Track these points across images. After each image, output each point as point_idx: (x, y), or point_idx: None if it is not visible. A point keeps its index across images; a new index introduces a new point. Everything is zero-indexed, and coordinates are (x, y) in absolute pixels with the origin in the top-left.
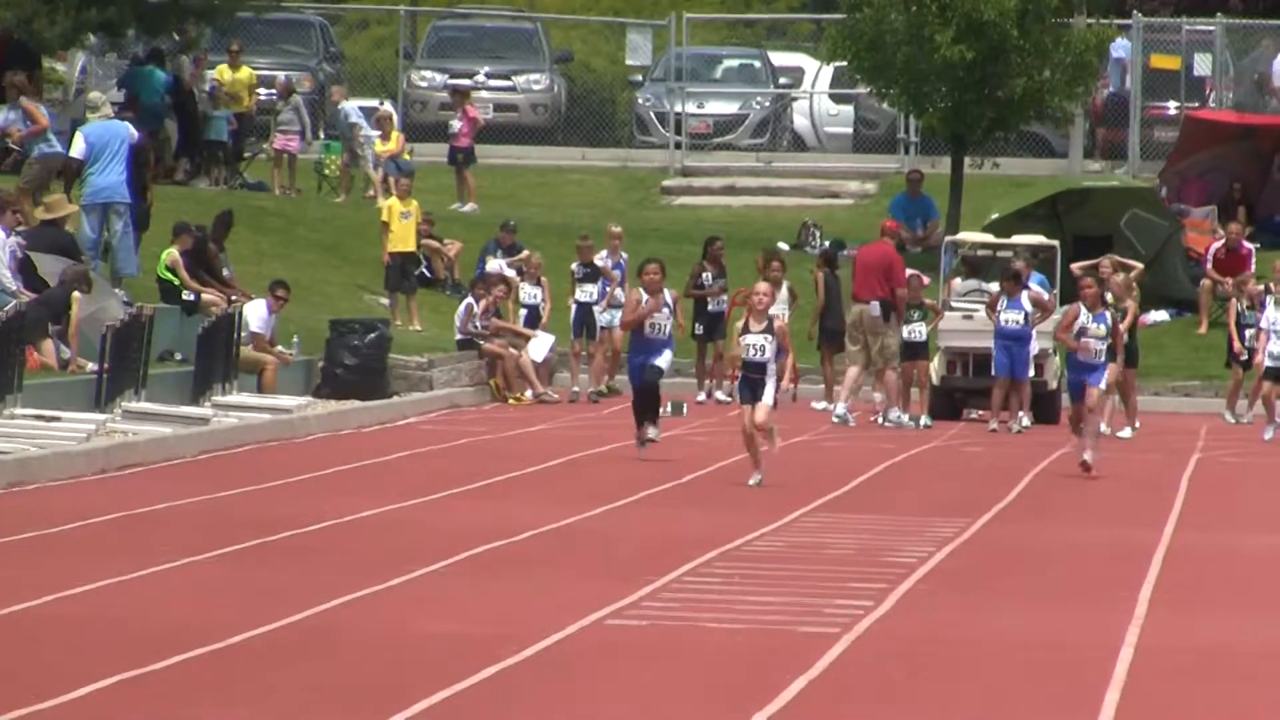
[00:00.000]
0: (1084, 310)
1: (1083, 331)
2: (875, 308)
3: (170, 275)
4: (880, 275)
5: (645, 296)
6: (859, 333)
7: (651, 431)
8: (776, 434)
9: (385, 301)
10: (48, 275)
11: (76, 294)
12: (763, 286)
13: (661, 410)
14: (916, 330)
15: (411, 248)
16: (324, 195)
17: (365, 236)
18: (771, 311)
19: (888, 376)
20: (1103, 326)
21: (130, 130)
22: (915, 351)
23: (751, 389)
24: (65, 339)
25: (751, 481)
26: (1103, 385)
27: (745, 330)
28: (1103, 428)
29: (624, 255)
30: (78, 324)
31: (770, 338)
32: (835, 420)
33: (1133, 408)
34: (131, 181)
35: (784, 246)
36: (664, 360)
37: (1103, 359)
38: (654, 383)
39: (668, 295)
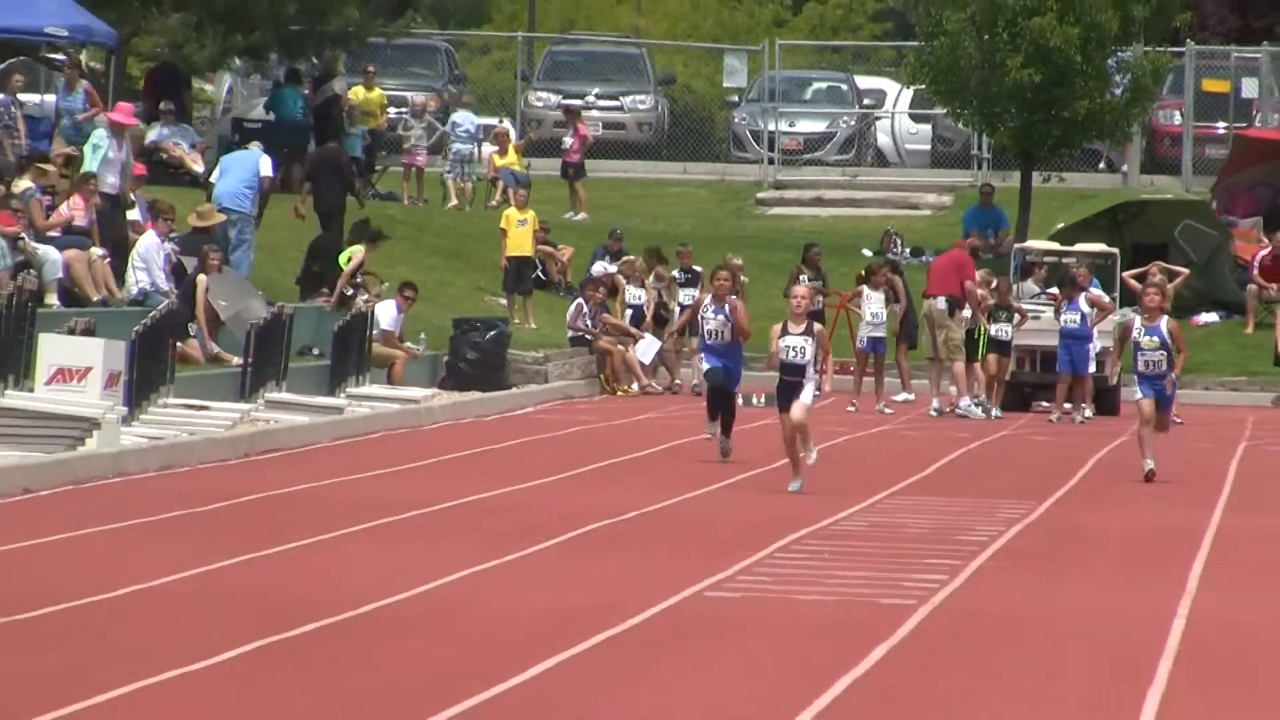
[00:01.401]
0: (1138, 322)
1: (1137, 346)
2: (941, 302)
3: (345, 263)
4: (952, 273)
5: (708, 301)
6: (929, 327)
7: (710, 429)
8: (813, 441)
9: (504, 302)
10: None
11: (202, 277)
12: (800, 290)
13: (756, 401)
14: (1003, 330)
15: (528, 253)
16: (448, 205)
17: (486, 243)
18: (871, 311)
19: (956, 368)
20: (1156, 338)
21: (261, 159)
22: (1001, 349)
23: (789, 392)
24: (210, 334)
25: (792, 488)
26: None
27: (785, 333)
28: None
29: (698, 268)
30: (205, 306)
31: (810, 339)
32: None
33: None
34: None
35: (868, 253)
36: (735, 371)
37: (1164, 368)
38: (721, 386)
39: (727, 305)
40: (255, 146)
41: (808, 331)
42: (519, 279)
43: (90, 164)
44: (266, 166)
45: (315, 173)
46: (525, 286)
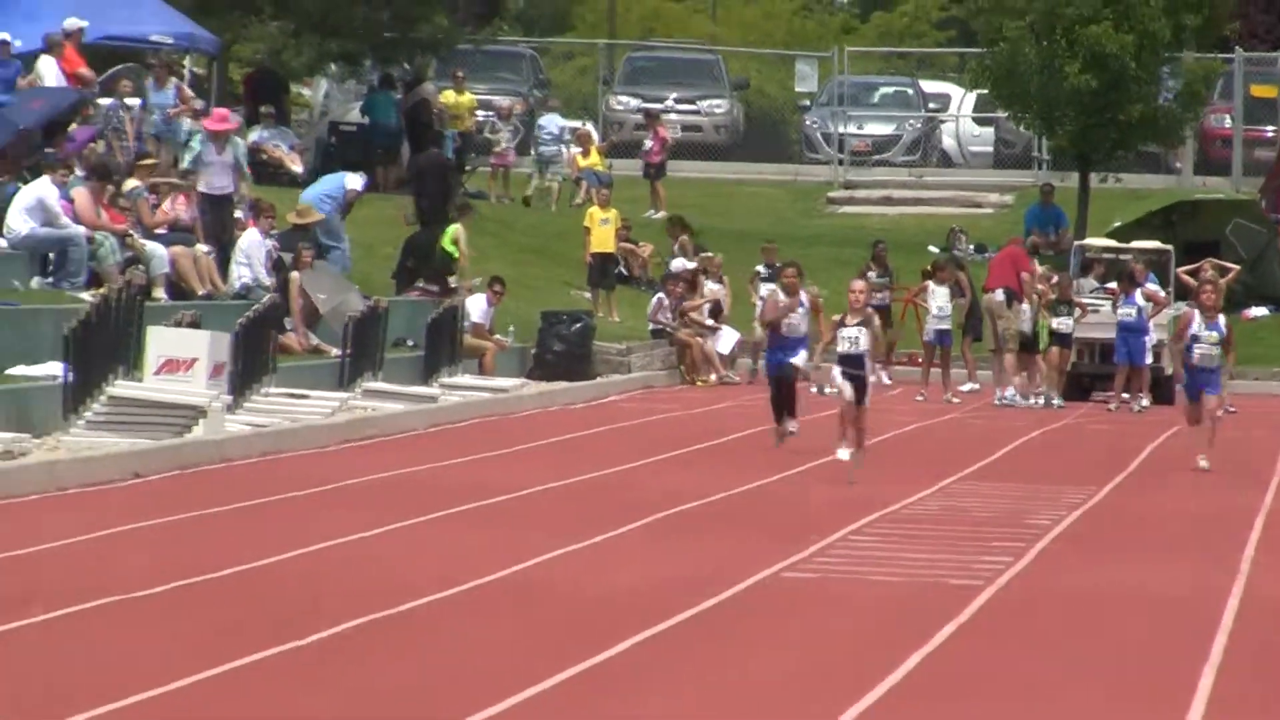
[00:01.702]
0: (1197, 318)
1: (1195, 339)
2: (999, 294)
3: (452, 248)
4: (1008, 267)
5: (783, 297)
6: (990, 319)
7: (792, 425)
8: (866, 437)
9: (588, 296)
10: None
11: (295, 273)
12: (858, 284)
13: (829, 390)
14: (1065, 323)
15: (610, 249)
16: (535, 204)
17: (570, 240)
18: (937, 305)
19: (1006, 359)
20: (1215, 334)
21: (349, 175)
22: (1063, 341)
23: (852, 382)
24: (309, 326)
25: (843, 454)
26: (1222, 392)
27: (842, 324)
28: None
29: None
30: (299, 303)
31: (865, 330)
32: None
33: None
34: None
35: (934, 250)
36: (800, 358)
37: (1216, 364)
38: (790, 378)
39: (804, 296)
40: (358, 178)
41: (864, 323)
42: (603, 274)
43: (185, 163)
44: (353, 181)
45: (421, 175)
46: (608, 282)
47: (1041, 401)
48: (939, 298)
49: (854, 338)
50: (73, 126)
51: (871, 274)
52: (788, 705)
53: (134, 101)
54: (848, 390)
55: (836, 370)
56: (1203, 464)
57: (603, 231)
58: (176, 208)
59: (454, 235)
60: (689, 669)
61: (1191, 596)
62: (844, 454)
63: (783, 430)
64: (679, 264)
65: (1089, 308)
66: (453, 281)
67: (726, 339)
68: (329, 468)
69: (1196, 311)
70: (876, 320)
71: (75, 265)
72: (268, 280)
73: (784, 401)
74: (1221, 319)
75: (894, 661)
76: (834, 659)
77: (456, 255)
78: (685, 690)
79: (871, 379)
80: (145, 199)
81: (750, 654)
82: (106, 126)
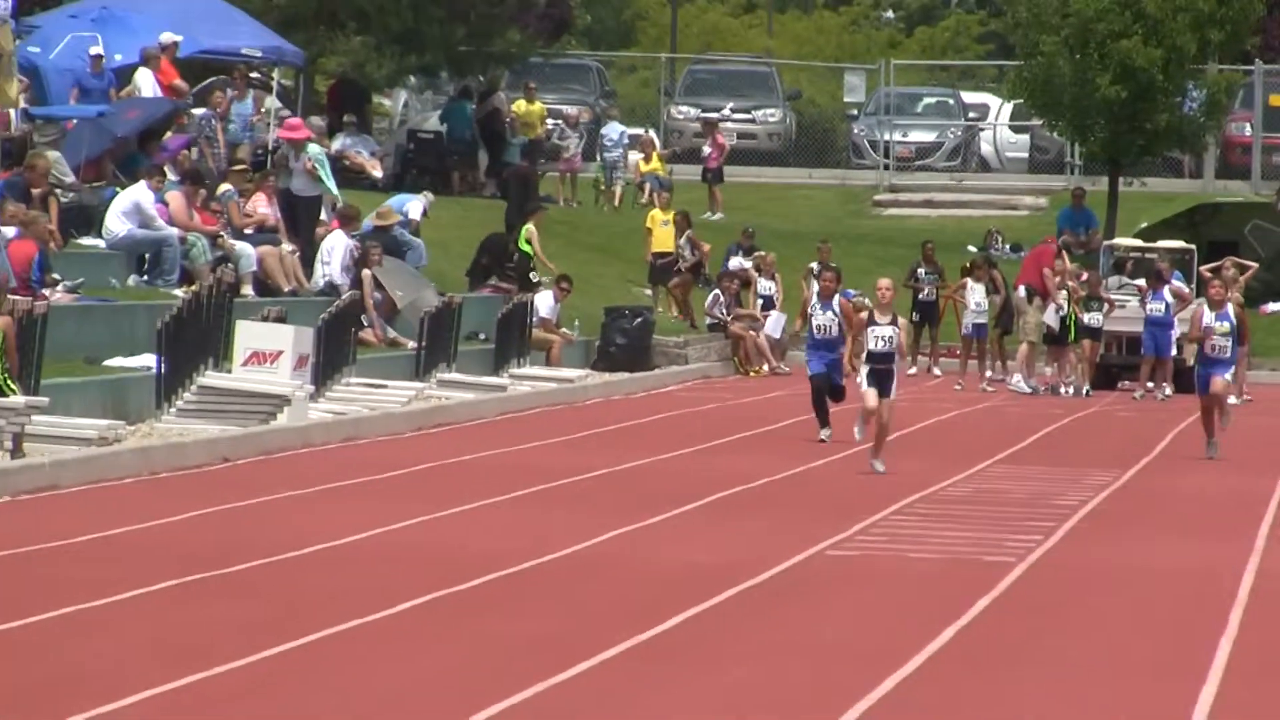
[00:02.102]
0: (1207, 310)
1: (1208, 330)
2: (1021, 290)
3: (527, 247)
4: (1031, 266)
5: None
6: (1017, 313)
7: (824, 434)
8: (889, 434)
9: (649, 292)
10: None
11: (367, 271)
12: (884, 282)
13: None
14: (1095, 318)
15: (670, 249)
16: (600, 206)
17: (631, 239)
18: (974, 301)
19: (1020, 350)
20: (1226, 324)
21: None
22: (1093, 334)
23: (879, 379)
24: (388, 320)
25: (865, 439)
26: (1228, 377)
27: (872, 321)
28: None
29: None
30: (372, 299)
31: (897, 329)
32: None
33: (1240, 380)
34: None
35: (972, 249)
36: (775, 323)
37: (1229, 354)
38: (823, 387)
39: (836, 301)
40: (424, 197)
41: (894, 321)
42: (663, 273)
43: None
44: (414, 210)
45: (510, 184)
46: (668, 279)
47: (1072, 390)
48: (975, 294)
49: (888, 337)
50: (167, 135)
51: (921, 270)
52: (833, 673)
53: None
54: (871, 399)
55: (863, 373)
56: (1212, 454)
57: (663, 233)
58: (257, 204)
59: (526, 234)
60: (741, 640)
61: (1209, 572)
62: (860, 428)
63: (820, 437)
64: (735, 263)
65: (1116, 303)
66: (533, 277)
67: (774, 322)
68: (405, 453)
69: (1205, 306)
70: (900, 319)
71: (169, 264)
72: (340, 279)
73: (821, 405)
74: (1230, 309)
75: (931, 633)
76: (874, 630)
77: (531, 252)
78: (739, 659)
79: (911, 370)
80: (236, 202)
81: (794, 625)
82: (199, 135)
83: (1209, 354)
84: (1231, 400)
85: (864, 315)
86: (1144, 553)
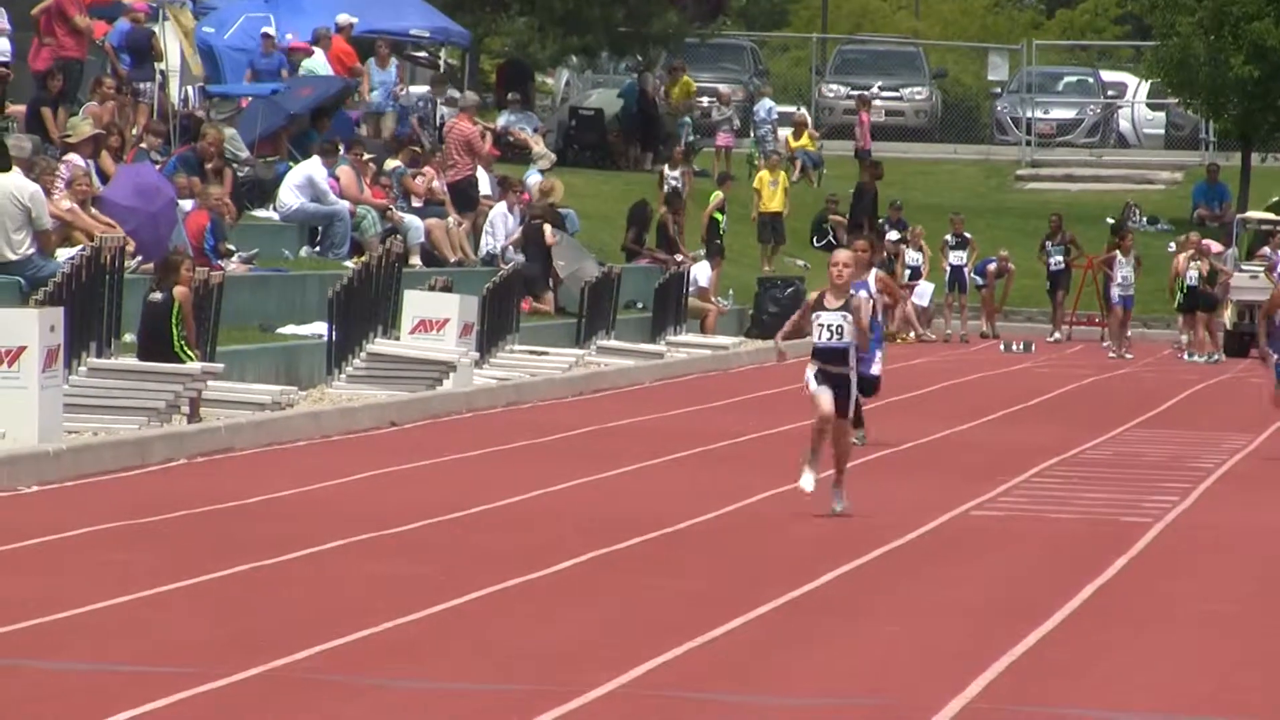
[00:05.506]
0: None
1: None
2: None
3: (718, 215)
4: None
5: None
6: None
7: (854, 437)
8: (848, 463)
9: (800, 263)
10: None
11: (551, 238)
12: (842, 255)
13: (1015, 347)
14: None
15: (778, 208)
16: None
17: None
18: (1122, 275)
19: (1184, 319)
20: None
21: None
22: (1211, 304)
23: (830, 382)
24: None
25: (807, 482)
26: None
27: (820, 305)
28: None
29: (968, 235)
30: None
31: (847, 315)
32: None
33: None
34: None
35: (1110, 221)
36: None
37: None
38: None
39: (871, 280)
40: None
41: (846, 307)
42: (772, 231)
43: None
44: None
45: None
46: (777, 238)
47: (1217, 357)
48: (1124, 268)
49: (835, 325)
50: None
51: (1049, 243)
52: (977, 628)
53: (415, 90)
54: (824, 400)
55: (810, 371)
56: None
57: (771, 193)
58: (430, 180)
59: (716, 203)
60: (883, 597)
61: None
62: (808, 482)
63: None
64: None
65: (1249, 272)
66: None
67: (923, 291)
68: (566, 417)
69: None
70: (867, 304)
71: (339, 236)
72: (511, 250)
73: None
74: None
75: (1070, 591)
76: (1016, 588)
77: (720, 219)
78: (890, 615)
79: (1054, 337)
80: (408, 175)
81: (939, 583)
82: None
83: None
84: None
85: (812, 298)
86: (1276, 514)
